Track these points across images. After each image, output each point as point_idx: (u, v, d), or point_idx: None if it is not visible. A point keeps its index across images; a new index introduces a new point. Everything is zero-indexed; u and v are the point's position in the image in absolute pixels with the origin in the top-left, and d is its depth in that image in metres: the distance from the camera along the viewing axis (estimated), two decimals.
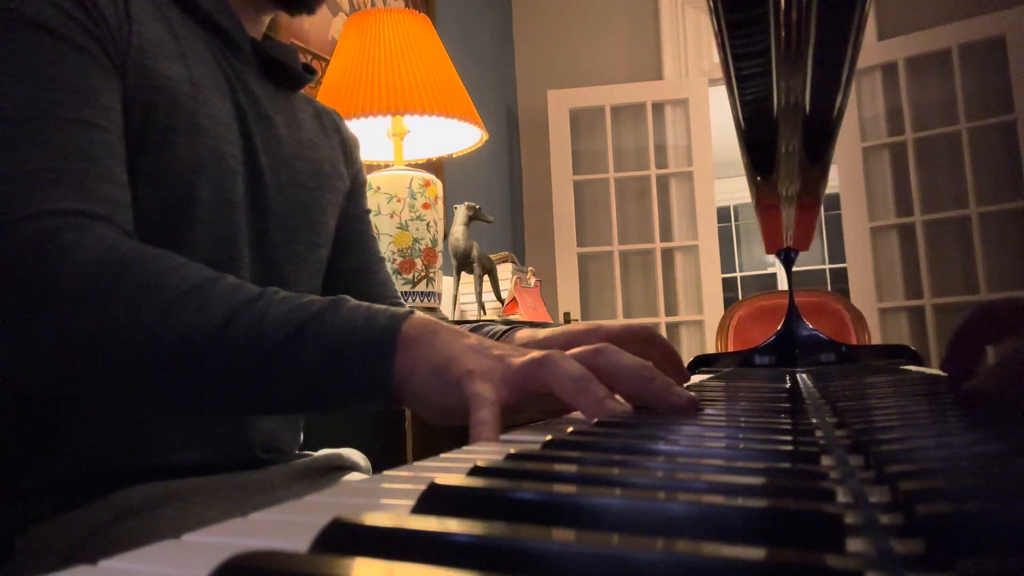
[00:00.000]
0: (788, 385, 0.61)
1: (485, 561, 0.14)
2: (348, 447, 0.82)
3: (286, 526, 0.19)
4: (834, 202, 3.44)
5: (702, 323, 3.07)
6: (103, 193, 0.53)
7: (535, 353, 0.45)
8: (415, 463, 0.28)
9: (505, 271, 2.15)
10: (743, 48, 0.60)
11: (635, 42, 3.26)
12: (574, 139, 3.20)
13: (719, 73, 2.92)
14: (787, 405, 0.43)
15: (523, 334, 0.69)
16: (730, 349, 2.52)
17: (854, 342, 2.45)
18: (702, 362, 0.99)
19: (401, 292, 1.37)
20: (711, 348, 2.89)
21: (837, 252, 5.78)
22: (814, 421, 0.38)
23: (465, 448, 0.35)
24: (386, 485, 0.24)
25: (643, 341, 0.63)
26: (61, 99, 0.54)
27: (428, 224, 1.56)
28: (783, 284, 5.41)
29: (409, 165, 1.63)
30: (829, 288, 6.13)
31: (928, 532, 0.15)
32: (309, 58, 2.02)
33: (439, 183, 1.61)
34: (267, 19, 0.79)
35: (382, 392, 0.47)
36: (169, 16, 0.66)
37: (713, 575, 0.13)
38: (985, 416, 0.34)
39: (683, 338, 3.12)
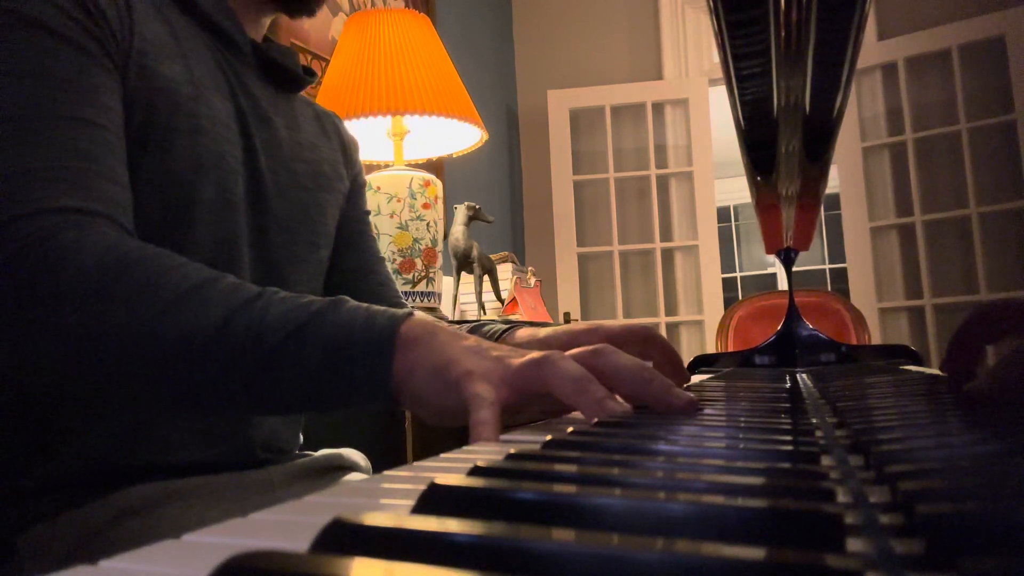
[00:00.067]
0: (788, 385, 0.61)
1: (485, 561, 0.14)
2: (348, 447, 0.82)
3: (286, 526, 0.19)
4: (834, 202, 3.44)
5: (702, 323, 3.07)
6: (103, 191, 0.53)
7: (534, 354, 0.45)
8: (415, 463, 0.28)
9: (505, 271, 2.15)
10: (743, 48, 0.60)
11: (635, 42, 3.26)
12: (574, 139, 3.21)
13: (719, 73, 2.92)
14: (787, 405, 0.43)
15: (523, 333, 0.69)
16: (730, 349, 2.52)
17: (854, 342, 2.45)
18: (702, 362, 0.99)
19: (401, 292, 1.37)
20: (711, 348, 2.89)
21: (837, 252, 5.78)
22: (814, 421, 0.38)
23: (465, 448, 0.35)
24: (386, 485, 0.24)
25: (643, 341, 0.63)
26: (61, 98, 0.54)
27: (428, 224, 1.56)
28: (783, 284, 5.41)
29: (409, 165, 1.63)
30: (829, 288, 6.13)
31: (928, 532, 0.15)
32: (309, 58, 2.02)
33: (439, 183, 1.61)
34: (267, 21, 0.79)
35: (381, 393, 0.47)
36: (170, 17, 0.66)
37: (713, 575, 0.13)
38: (985, 416, 0.34)
39: (683, 338, 3.12)
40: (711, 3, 0.56)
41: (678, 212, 3.18)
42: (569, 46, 3.32)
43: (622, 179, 3.20)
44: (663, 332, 3.05)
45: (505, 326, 0.72)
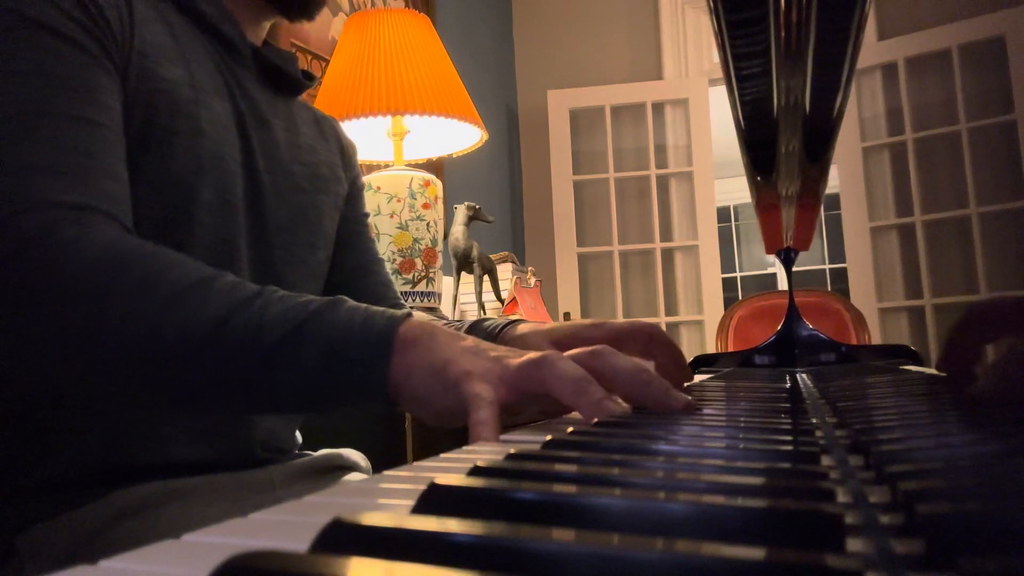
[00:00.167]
0: (788, 385, 0.61)
1: (485, 561, 0.14)
2: (348, 447, 0.82)
3: (286, 526, 0.19)
4: (834, 202, 3.44)
5: (702, 323, 3.07)
6: (103, 188, 0.54)
7: (532, 354, 0.45)
8: (415, 463, 0.28)
9: (505, 271, 2.15)
10: (743, 48, 0.60)
11: (635, 42, 3.26)
12: (574, 139, 3.20)
13: (719, 73, 2.92)
14: (787, 405, 0.43)
15: (525, 327, 0.69)
16: (730, 349, 2.52)
17: (854, 342, 2.45)
18: (702, 362, 0.99)
19: (401, 292, 1.37)
20: (711, 348, 2.89)
21: (837, 252, 5.78)
22: (814, 421, 0.38)
23: (465, 448, 0.35)
24: (386, 485, 0.24)
25: (647, 338, 0.63)
26: (61, 96, 0.54)
27: (428, 224, 1.56)
28: (783, 284, 5.41)
29: (409, 165, 1.63)
30: (829, 288, 6.13)
31: (928, 532, 0.15)
32: (309, 58, 2.02)
33: (439, 183, 1.61)
34: (267, 25, 0.79)
35: (379, 393, 0.47)
36: (170, 20, 0.66)
37: (713, 575, 0.13)
38: (985, 416, 0.34)
39: (683, 338, 3.12)
40: (711, 3, 0.56)
41: (678, 212, 3.18)
42: (569, 46, 3.32)
43: (622, 179, 3.20)
44: None
45: (506, 321, 0.72)
